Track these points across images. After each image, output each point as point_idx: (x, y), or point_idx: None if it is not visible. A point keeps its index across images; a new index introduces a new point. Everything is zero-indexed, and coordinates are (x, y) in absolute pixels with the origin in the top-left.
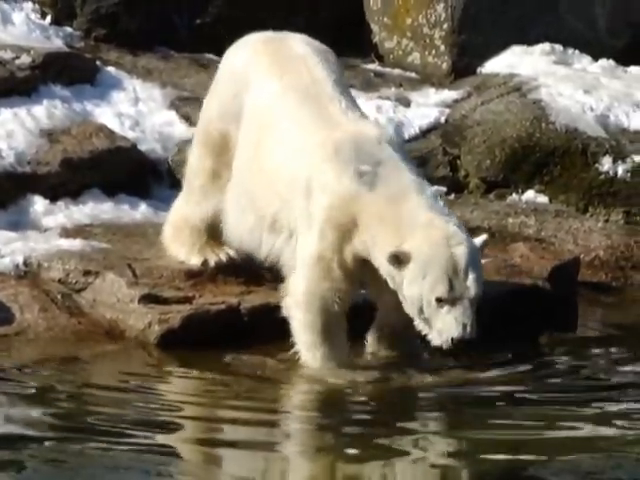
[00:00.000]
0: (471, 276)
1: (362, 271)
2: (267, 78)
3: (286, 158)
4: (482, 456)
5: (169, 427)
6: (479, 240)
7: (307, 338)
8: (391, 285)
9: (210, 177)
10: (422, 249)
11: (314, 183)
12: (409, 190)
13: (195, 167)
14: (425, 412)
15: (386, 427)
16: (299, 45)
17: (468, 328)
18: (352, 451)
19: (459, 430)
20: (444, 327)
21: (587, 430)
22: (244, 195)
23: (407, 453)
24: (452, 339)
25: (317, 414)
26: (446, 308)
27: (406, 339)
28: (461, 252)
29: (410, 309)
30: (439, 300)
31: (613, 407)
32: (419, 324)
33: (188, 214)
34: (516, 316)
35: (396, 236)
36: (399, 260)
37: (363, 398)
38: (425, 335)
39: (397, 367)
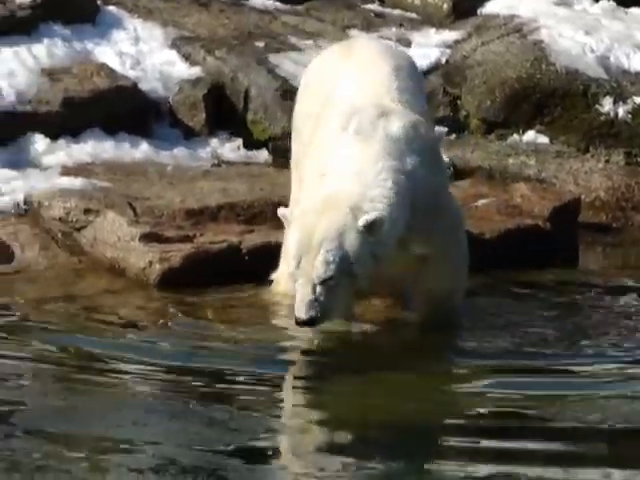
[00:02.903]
0: (320, 256)
1: None
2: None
3: None
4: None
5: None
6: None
7: None
8: None
9: None
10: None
11: None
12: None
13: None
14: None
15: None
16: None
17: (304, 309)
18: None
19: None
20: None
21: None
22: None
23: None
24: (295, 318)
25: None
26: (298, 282)
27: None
28: (323, 226)
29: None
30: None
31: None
32: None
33: None
34: (517, 256)
35: None
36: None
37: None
38: None
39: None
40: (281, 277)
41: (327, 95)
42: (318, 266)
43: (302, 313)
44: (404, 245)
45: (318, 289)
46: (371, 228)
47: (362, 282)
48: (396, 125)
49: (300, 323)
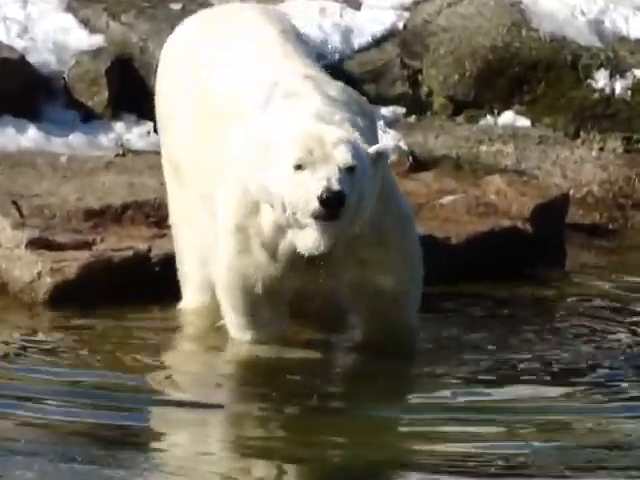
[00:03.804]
0: (340, 146)
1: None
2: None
3: None
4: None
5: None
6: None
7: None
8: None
9: None
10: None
11: None
12: None
13: None
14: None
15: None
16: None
17: (333, 181)
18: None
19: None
20: (308, 191)
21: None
22: None
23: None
24: (319, 198)
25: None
26: (307, 172)
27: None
28: (332, 131)
29: (277, 211)
30: (298, 167)
31: None
32: (293, 235)
33: None
34: (490, 265)
35: None
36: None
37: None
38: (302, 246)
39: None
40: (189, 309)
41: (206, 75)
42: (343, 152)
43: (332, 183)
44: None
45: (342, 176)
46: (376, 160)
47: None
48: (332, 85)
49: (330, 196)
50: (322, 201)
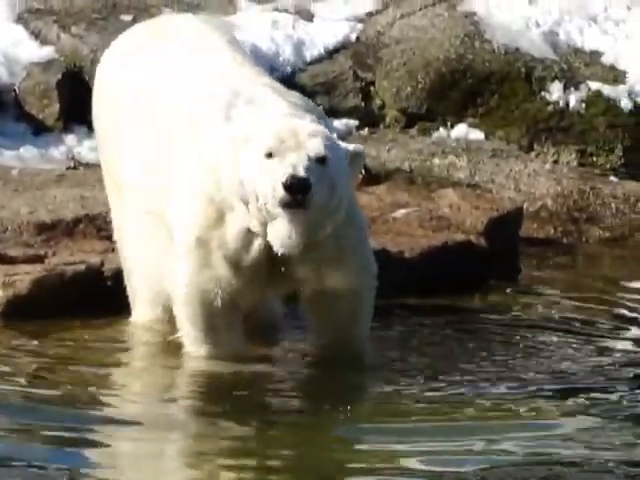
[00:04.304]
0: (314, 138)
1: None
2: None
3: None
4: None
5: None
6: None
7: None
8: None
9: None
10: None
11: None
12: None
13: None
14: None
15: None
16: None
17: (298, 168)
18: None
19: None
20: (275, 178)
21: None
22: None
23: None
24: (284, 184)
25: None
26: (276, 160)
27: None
28: (308, 125)
29: (251, 204)
30: (269, 155)
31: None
32: (268, 231)
33: None
34: (443, 279)
35: None
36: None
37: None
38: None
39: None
40: (140, 323)
41: (152, 89)
42: (315, 143)
43: (298, 170)
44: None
45: (311, 164)
46: (353, 158)
47: (330, 205)
48: (290, 93)
49: (295, 182)
50: (286, 187)
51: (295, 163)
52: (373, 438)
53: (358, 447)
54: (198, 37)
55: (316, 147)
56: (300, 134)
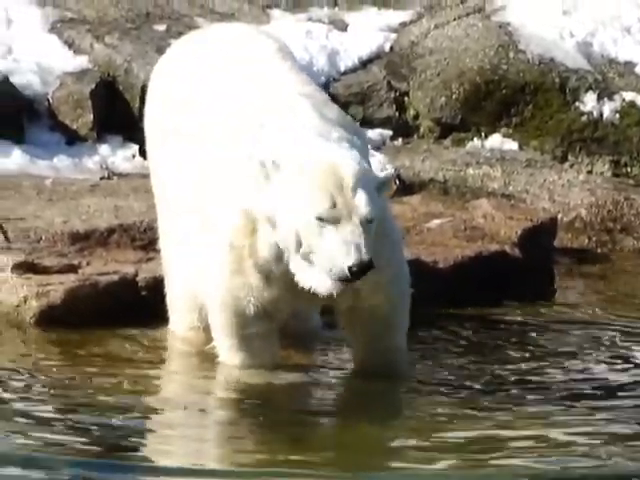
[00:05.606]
0: (359, 194)
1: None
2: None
3: None
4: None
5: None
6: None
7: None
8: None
9: None
10: (294, 156)
11: None
12: None
13: None
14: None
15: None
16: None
17: (363, 250)
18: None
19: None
20: (332, 253)
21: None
22: None
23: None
24: (349, 267)
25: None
26: (330, 229)
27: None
28: (347, 165)
29: (286, 241)
30: (320, 219)
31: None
32: (297, 265)
33: None
34: (477, 290)
35: None
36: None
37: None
38: (307, 282)
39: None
40: (177, 332)
41: (203, 97)
42: (363, 204)
43: (363, 254)
44: None
45: (365, 231)
46: (382, 186)
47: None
48: (329, 105)
49: (360, 265)
50: (352, 272)
51: (358, 242)
52: (407, 454)
53: (392, 463)
54: (245, 45)
55: (366, 211)
56: (345, 187)
